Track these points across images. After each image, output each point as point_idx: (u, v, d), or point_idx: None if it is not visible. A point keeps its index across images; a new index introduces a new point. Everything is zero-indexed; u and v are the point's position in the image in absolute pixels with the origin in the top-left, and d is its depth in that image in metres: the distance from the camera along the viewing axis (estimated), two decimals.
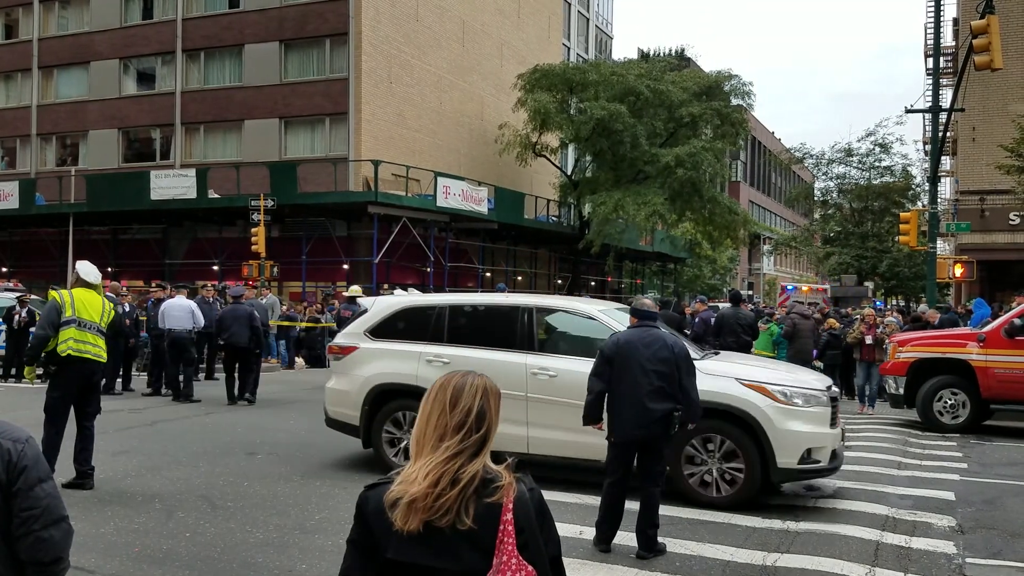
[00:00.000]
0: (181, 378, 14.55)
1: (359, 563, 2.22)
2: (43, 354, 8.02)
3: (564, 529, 6.50)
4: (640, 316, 6.63)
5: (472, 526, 2.12)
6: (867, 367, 15.30)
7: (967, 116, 31.56)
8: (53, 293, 8.27)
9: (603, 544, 6.41)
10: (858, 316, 17.43)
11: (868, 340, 15.20)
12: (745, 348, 13.95)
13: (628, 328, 6.79)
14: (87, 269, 8.30)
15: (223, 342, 14.54)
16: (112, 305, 8.61)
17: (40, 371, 8.20)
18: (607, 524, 6.42)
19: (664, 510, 6.88)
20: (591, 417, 6.50)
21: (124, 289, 16.34)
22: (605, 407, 6.49)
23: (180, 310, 14.71)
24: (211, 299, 17.74)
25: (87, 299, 8.12)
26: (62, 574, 2.53)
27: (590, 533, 6.75)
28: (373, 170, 27.58)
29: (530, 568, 2.13)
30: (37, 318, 16.53)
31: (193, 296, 16.15)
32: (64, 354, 7.86)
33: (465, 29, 36.98)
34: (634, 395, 6.28)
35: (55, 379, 8.00)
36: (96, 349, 8.11)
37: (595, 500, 7.82)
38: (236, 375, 14.43)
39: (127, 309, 16.11)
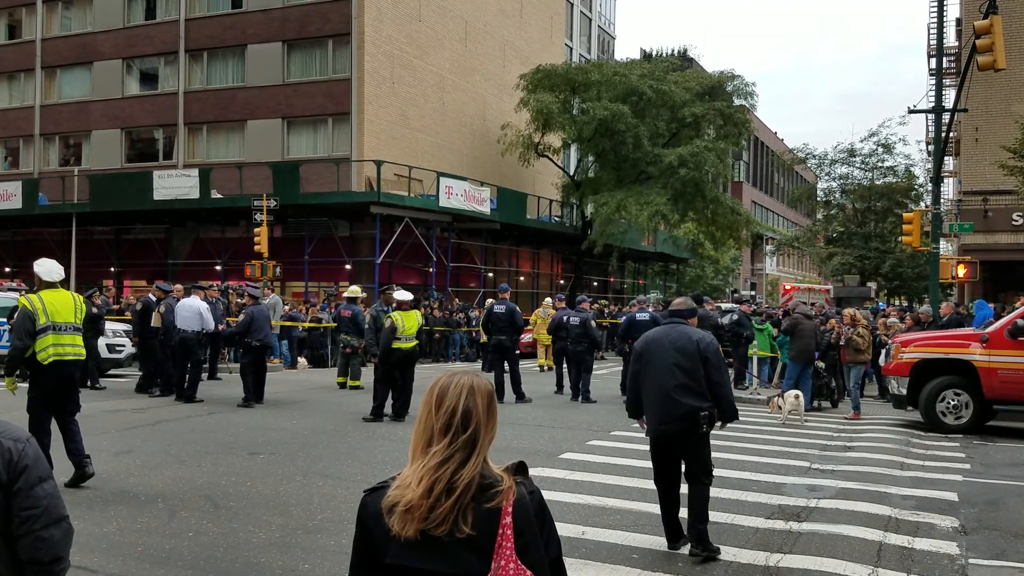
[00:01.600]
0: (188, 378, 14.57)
1: (363, 568, 2.21)
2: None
3: (566, 529, 6.50)
4: (671, 314, 6.79)
5: (470, 532, 2.10)
6: (847, 369, 15.16)
7: (970, 116, 31.50)
8: (23, 300, 8.00)
9: (672, 543, 6.44)
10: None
11: (842, 341, 15.04)
12: None
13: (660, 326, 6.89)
14: (47, 268, 8.03)
15: (259, 343, 14.07)
16: (83, 299, 8.42)
17: (19, 379, 8.12)
18: (666, 523, 6.48)
19: None
20: (631, 414, 6.81)
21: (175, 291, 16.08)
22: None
23: (189, 311, 14.72)
24: (213, 299, 17.72)
25: (57, 300, 7.93)
26: (62, 574, 2.53)
27: (592, 533, 6.75)
28: (376, 170, 27.59)
29: (529, 573, 2.12)
30: None
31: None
32: (47, 362, 7.79)
33: (467, 29, 36.99)
34: (658, 390, 6.31)
35: (33, 381, 7.98)
36: (75, 349, 8.03)
37: (597, 501, 7.83)
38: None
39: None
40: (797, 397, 13.65)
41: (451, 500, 2.10)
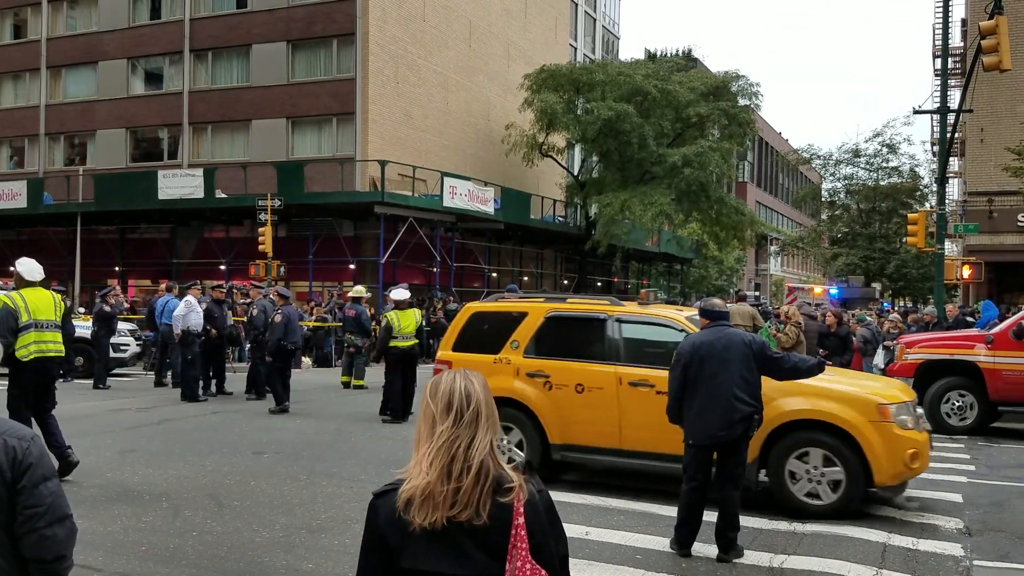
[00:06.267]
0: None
1: (375, 573, 2.19)
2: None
3: (570, 530, 6.47)
4: (711, 317, 6.50)
5: (487, 523, 2.10)
6: None
7: (975, 117, 31.39)
8: (3, 298, 8.01)
9: (683, 549, 6.33)
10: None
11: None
12: None
13: (701, 330, 6.59)
14: (29, 268, 8.14)
15: (293, 346, 13.81)
16: (60, 297, 8.51)
17: None
18: (687, 529, 6.33)
19: (668, 511, 6.87)
20: (673, 419, 6.44)
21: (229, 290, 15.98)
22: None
23: (180, 310, 14.87)
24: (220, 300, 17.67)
25: (38, 298, 8.06)
26: (65, 572, 2.54)
27: (596, 533, 6.75)
28: (380, 170, 27.60)
29: (543, 572, 2.12)
30: None
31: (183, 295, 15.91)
32: (28, 359, 7.86)
33: (472, 29, 36.99)
34: (718, 395, 6.13)
35: (15, 378, 8.01)
36: (56, 346, 8.12)
37: (600, 501, 7.83)
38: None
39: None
40: None
41: (471, 478, 2.10)
